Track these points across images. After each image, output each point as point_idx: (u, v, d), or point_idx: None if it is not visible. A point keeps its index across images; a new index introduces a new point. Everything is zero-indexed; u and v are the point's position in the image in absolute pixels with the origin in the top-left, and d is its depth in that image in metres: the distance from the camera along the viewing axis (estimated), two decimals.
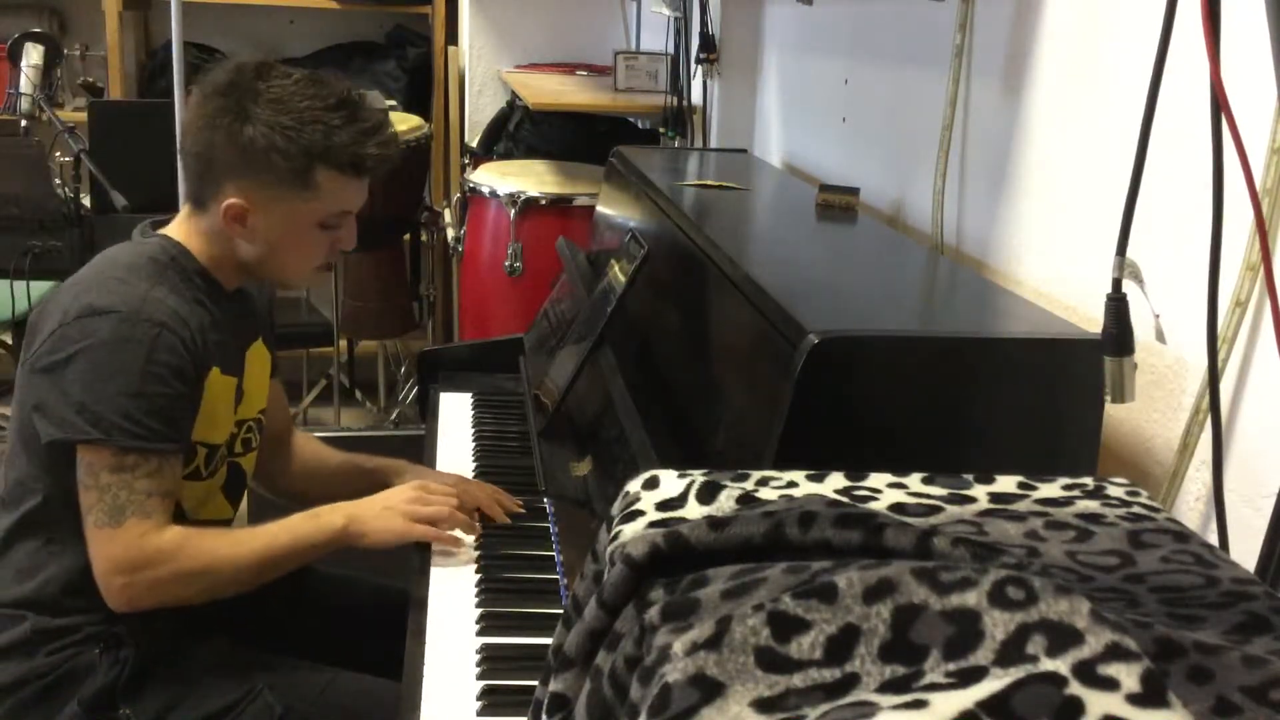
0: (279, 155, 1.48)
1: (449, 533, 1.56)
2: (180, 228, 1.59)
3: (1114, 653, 0.56)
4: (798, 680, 0.60)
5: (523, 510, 1.68)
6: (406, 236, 3.83)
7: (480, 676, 1.30)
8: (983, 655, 0.58)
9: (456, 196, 3.50)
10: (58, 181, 3.26)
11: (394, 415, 3.97)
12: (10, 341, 3.62)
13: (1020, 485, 0.86)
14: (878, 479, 0.85)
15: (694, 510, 0.77)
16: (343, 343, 3.92)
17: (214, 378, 1.54)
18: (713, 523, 0.72)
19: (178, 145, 1.58)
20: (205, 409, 1.54)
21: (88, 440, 1.42)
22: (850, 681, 0.59)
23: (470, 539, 1.58)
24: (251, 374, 1.66)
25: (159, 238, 1.58)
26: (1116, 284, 1.13)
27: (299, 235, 1.56)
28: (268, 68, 1.53)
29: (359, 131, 1.52)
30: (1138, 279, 1.14)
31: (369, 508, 1.57)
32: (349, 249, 1.63)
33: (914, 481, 0.85)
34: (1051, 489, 0.86)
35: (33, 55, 3.38)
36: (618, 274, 1.70)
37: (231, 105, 1.50)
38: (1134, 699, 0.55)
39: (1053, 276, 1.61)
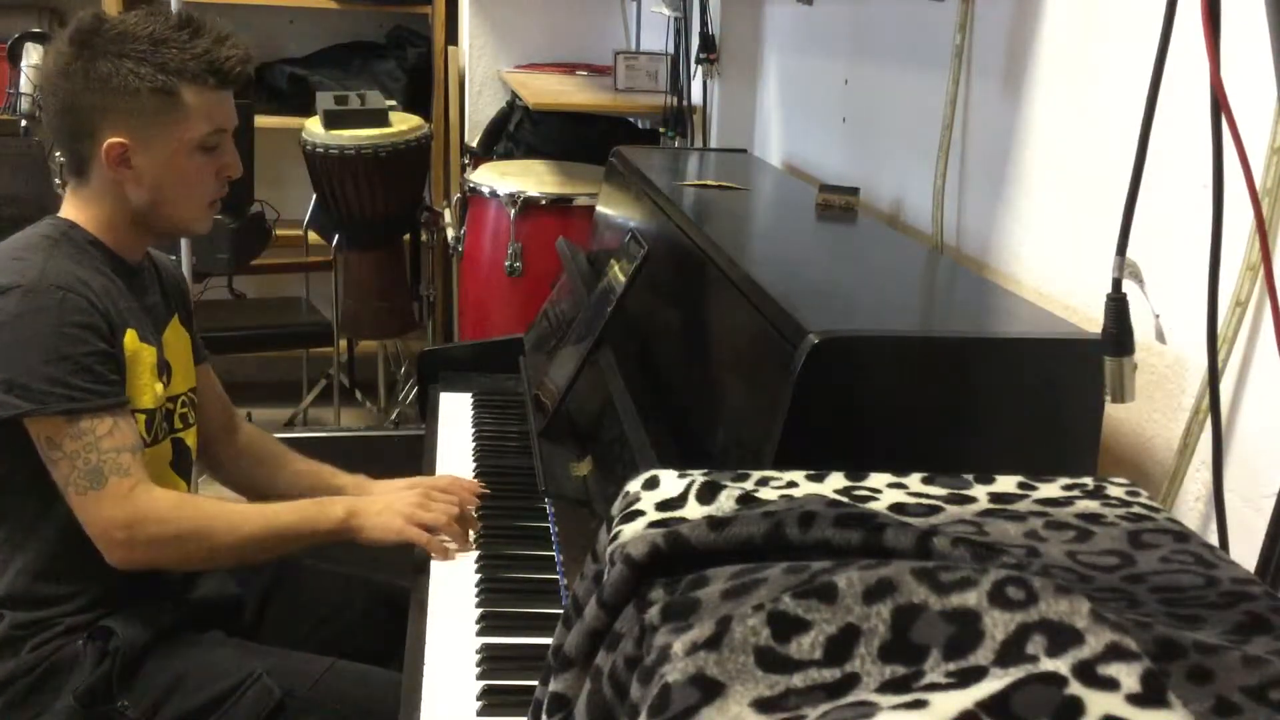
0: (139, 80, 1.50)
1: (442, 543, 1.56)
2: (68, 206, 1.60)
3: (1114, 653, 0.56)
4: (798, 680, 0.60)
5: (487, 490, 1.72)
6: (406, 236, 3.84)
7: (480, 676, 1.30)
8: (983, 655, 0.58)
9: (456, 196, 3.50)
10: (58, 181, 3.26)
11: (394, 415, 3.97)
12: None
13: (1020, 485, 0.86)
14: (878, 479, 0.85)
15: (694, 510, 0.77)
16: (343, 343, 3.92)
17: (131, 340, 1.54)
18: (713, 523, 0.72)
19: (45, 121, 1.59)
20: (129, 373, 1.53)
21: (23, 414, 1.43)
22: (850, 681, 0.59)
23: (464, 551, 1.58)
24: (173, 351, 1.66)
25: (49, 218, 1.60)
26: (1116, 284, 1.13)
27: (182, 163, 1.56)
28: (103, 14, 1.57)
29: (211, 41, 1.54)
30: (1138, 279, 1.14)
31: (371, 504, 1.58)
32: (236, 175, 1.63)
33: (914, 481, 0.85)
34: (1051, 489, 0.86)
35: (33, 55, 3.38)
36: (618, 274, 1.70)
37: (80, 51, 1.52)
38: (1134, 699, 0.55)
39: (1053, 276, 1.61)
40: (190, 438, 1.70)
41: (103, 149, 1.52)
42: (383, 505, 1.58)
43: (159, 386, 1.60)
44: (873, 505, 0.80)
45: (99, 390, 1.46)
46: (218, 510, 1.54)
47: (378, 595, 1.80)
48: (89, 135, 1.53)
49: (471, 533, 1.60)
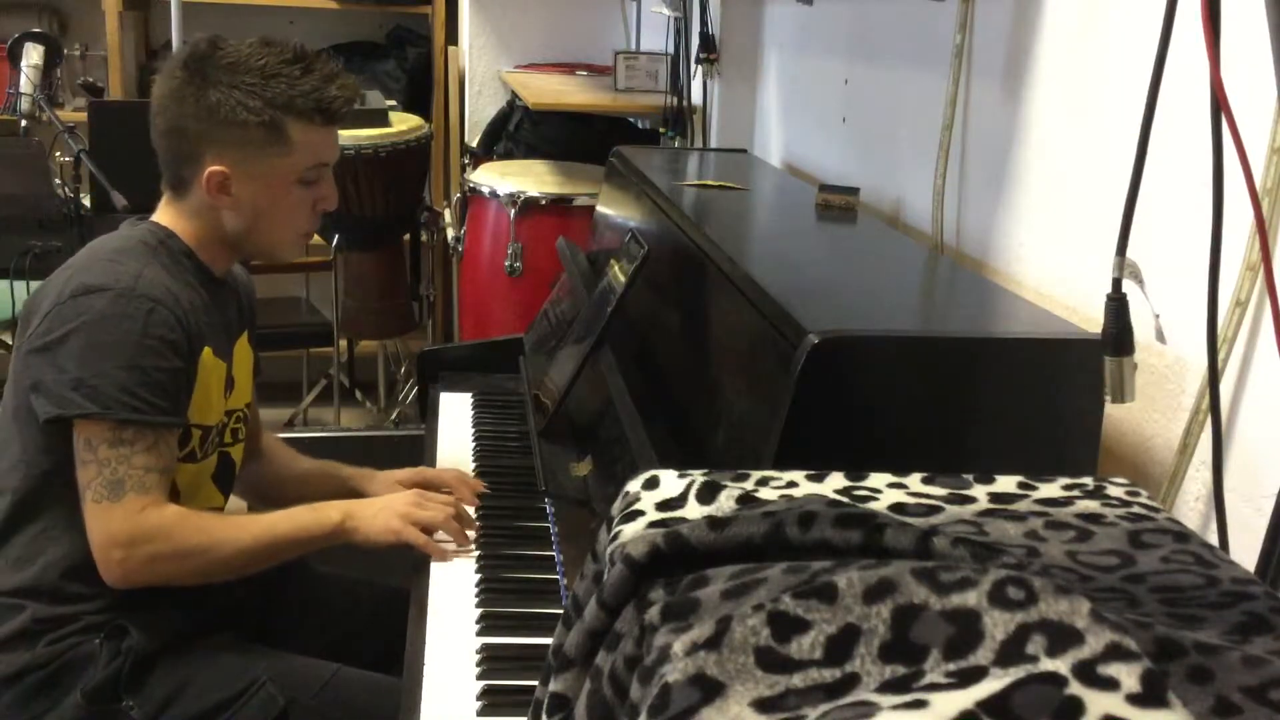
0: (248, 113, 1.52)
1: (440, 544, 1.57)
2: (164, 214, 1.61)
3: (1114, 653, 0.56)
4: (798, 680, 0.60)
5: (488, 490, 1.74)
6: (406, 236, 3.83)
7: (480, 676, 1.30)
8: (983, 655, 0.58)
9: (456, 196, 3.50)
10: (58, 181, 3.26)
11: (394, 415, 3.97)
12: (11, 342, 3.62)
13: (1020, 485, 0.86)
14: (878, 479, 0.85)
15: (694, 510, 0.77)
16: (343, 343, 3.92)
17: (206, 357, 1.56)
18: (713, 523, 0.72)
19: (152, 136, 1.61)
20: (199, 390, 1.55)
21: (85, 415, 1.44)
22: (850, 681, 0.59)
23: (463, 550, 1.58)
24: (239, 366, 1.68)
25: (148, 223, 1.61)
26: (1116, 284, 1.13)
27: (281, 195, 1.58)
28: (219, 39, 1.58)
29: (320, 79, 1.56)
30: (1138, 279, 1.14)
31: (367, 506, 1.59)
32: (331, 208, 1.65)
33: (914, 481, 0.85)
34: (1051, 489, 0.86)
35: (33, 55, 3.38)
36: (618, 274, 1.70)
37: (193, 76, 1.53)
38: (1134, 699, 0.55)
39: (1053, 276, 1.61)
40: (236, 453, 1.71)
41: (204, 175, 1.54)
42: (379, 506, 1.58)
43: (224, 403, 1.61)
44: (873, 505, 0.80)
45: (160, 407, 1.47)
46: (216, 524, 1.53)
47: (384, 599, 1.80)
48: (193, 159, 1.55)
49: (471, 532, 1.60)
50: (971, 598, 0.60)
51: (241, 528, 1.54)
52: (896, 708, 0.55)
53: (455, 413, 2.08)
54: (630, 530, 0.76)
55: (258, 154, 1.54)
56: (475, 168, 3.41)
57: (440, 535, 1.58)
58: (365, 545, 1.56)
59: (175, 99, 1.54)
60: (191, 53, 1.55)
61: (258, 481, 1.87)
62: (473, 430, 2.00)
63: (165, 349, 1.47)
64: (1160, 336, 1.22)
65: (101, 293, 1.46)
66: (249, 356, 1.74)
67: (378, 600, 1.81)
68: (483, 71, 4.05)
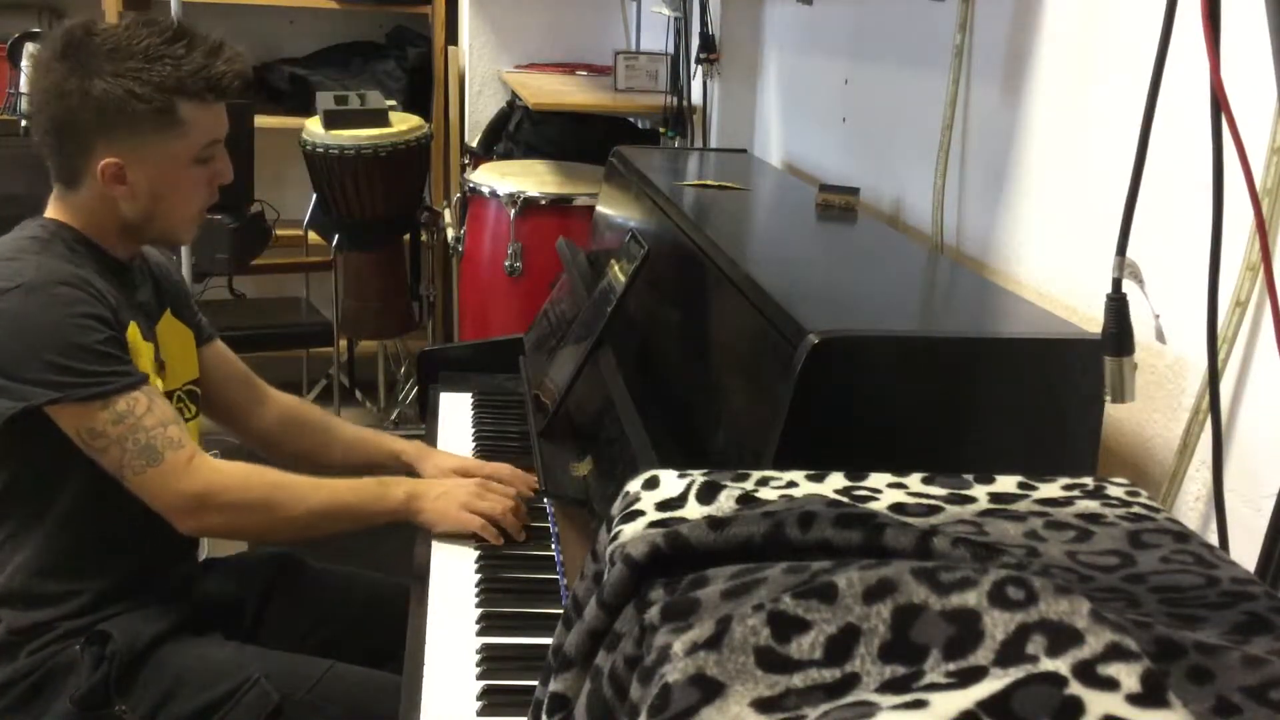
0: (137, 100, 1.48)
1: (495, 532, 1.58)
2: (54, 209, 1.59)
3: (1114, 653, 0.56)
4: (798, 680, 0.60)
5: (541, 487, 1.73)
6: (406, 236, 3.84)
7: (480, 676, 1.30)
8: (983, 655, 0.58)
9: (456, 196, 3.50)
10: None
11: (394, 415, 3.97)
12: None
13: (1020, 485, 0.86)
14: (878, 479, 0.85)
15: (694, 510, 0.77)
16: (343, 343, 3.92)
17: (133, 334, 1.55)
18: (713, 523, 0.72)
19: (33, 131, 1.58)
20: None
21: (51, 401, 1.43)
22: (850, 681, 0.59)
23: (517, 541, 1.59)
24: (168, 346, 1.66)
25: (36, 221, 1.59)
26: (1116, 284, 1.13)
27: (179, 177, 1.56)
28: (92, 23, 1.54)
29: (205, 55, 1.53)
30: (1138, 279, 1.14)
31: (431, 488, 1.61)
32: (227, 181, 1.63)
33: (914, 481, 0.85)
34: (1051, 489, 0.86)
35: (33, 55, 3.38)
36: (618, 274, 1.70)
37: (74, 68, 1.49)
38: (1134, 699, 0.55)
39: (1053, 276, 1.61)
40: (191, 430, 1.70)
41: (98, 167, 1.51)
42: (441, 491, 1.60)
43: (159, 383, 1.60)
44: (873, 505, 0.80)
45: (121, 372, 1.47)
46: (285, 481, 1.55)
47: (378, 594, 1.80)
48: (84, 152, 1.52)
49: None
50: (971, 598, 0.60)
51: (310, 489, 1.55)
52: (896, 708, 0.55)
53: (455, 413, 2.08)
54: (630, 530, 0.76)
55: (151, 140, 1.51)
56: (475, 168, 3.41)
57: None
58: (423, 526, 1.58)
59: (57, 94, 1.50)
60: (67, 41, 1.50)
61: (291, 446, 1.87)
62: (473, 430, 2.00)
63: (93, 321, 1.46)
64: (1160, 336, 1.22)
65: (11, 293, 1.44)
66: (182, 333, 1.72)
67: (372, 596, 1.81)
68: (483, 71, 4.05)
